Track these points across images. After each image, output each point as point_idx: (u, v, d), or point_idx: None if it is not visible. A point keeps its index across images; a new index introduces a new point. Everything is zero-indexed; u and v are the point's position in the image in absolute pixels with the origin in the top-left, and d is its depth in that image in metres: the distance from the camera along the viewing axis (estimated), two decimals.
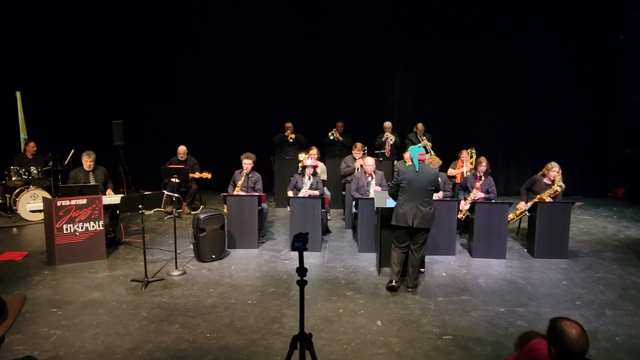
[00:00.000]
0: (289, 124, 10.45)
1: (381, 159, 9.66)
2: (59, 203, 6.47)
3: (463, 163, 8.87)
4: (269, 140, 11.03)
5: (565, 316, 2.51)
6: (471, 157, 8.83)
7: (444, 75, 11.46)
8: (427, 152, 9.48)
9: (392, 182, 5.94)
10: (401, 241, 5.77)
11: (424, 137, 10.14)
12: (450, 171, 9.09)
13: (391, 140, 10.10)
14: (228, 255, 7.07)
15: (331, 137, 10.40)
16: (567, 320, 2.43)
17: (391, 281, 5.79)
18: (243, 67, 11.55)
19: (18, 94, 10.23)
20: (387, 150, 10.10)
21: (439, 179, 6.74)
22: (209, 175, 9.24)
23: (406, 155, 9.11)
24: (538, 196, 7.33)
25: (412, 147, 5.98)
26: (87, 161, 7.72)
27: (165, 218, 9.08)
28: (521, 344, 2.72)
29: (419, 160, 5.73)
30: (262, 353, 4.32)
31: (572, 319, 2.47)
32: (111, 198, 7.30)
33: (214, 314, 5.09)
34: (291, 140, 10.40)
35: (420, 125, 10.20)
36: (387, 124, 10.30)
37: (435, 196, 7.31)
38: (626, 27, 11.10)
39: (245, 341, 4.53)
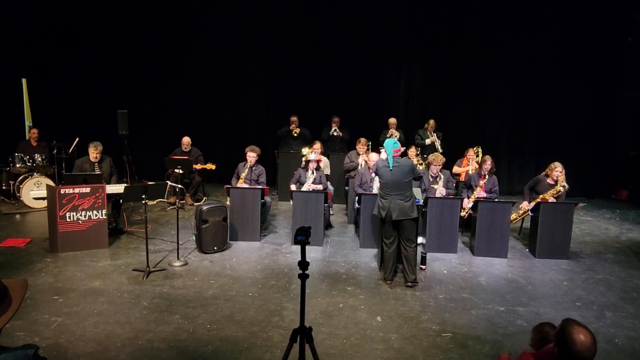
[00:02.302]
0: (294, 118, 10.43)
1: None
2: (62, 191, 6.49)
3: (469, 161, 8.85)
4: (273, 134, 11.02)
5: (578, 321, 2.42)
6: (477, 156, 8.81)
7: (449, 72, 11.41)
8: (420, 150, 9.49)
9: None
10: (387, 235, 5.88)
11: (434, 134, 10.11)
12: (456, 169, 9.08)
13: (395, 136, 10.07)
14: (230, 247, 7.08)
15: (335, 134, 10.37)
16: (578, 327, 2.36)
17: (384, 278, 5.94)
18: (249, 60, 11.53)
19: (24, 81, 10.25)
20: None
21: (427, 173, 7.04)
22: (213, 167, 9.25)
23: (410, 151, 9.11)
24: (541, 196, 7.32)
25: (387, 141, 5.93)
26: (94, 153, 7.65)
27: (168, 209, 9.10)
28: (541, 342, 2.65)
29: (394, 156, 5.79)
30: (261, 345, 4.34)
31: (584, 325, 2.39)
32: (114, 187, 7.30)
33: (215, 306, 5.10)
34: (296, 135, 10.39)
35: (432, 122, 10.16)
36: (392, 120, 10.28)
37: (438, 193, 7.35)
38: (635, 28, 11.01)
39: (245, 333, 4.54)
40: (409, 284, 5.75)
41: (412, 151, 9.11)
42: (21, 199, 8.80)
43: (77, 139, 9.81)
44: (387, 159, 5.83)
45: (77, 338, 4.36)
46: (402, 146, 9.83)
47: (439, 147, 9.86)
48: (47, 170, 9.17)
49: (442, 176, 7.52)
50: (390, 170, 5.76)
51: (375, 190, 7.45)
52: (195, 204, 9.14)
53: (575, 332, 2.32)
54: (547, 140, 11.40)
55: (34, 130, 9.56)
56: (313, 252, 6.88)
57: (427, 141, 10.02)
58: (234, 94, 11.70)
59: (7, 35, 10.56)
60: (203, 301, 5.21)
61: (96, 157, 7.70)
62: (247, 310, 5.04)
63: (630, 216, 9.90)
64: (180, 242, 6.63)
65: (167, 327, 4.61)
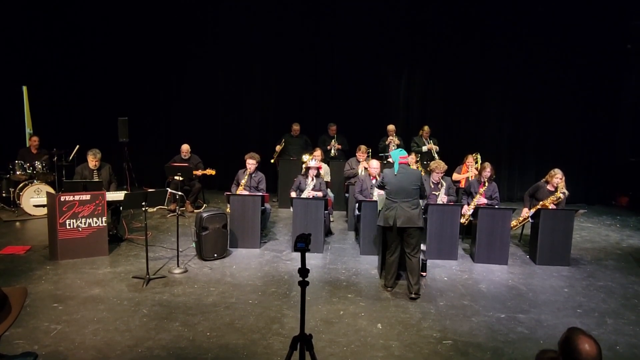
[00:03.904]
0: (296, 127, 10.45)
1: (385, 161, 9.65)
2: (62, 198, 6.49)
3: (468, 168, 8.85)
4: (273, 140, 10.95)
5: (583, 330, 2.39)
6: (476, 162, 8.80)
7: (449, 79, 11.43)
8: (427, 157, 9.51)
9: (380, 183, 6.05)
10: (390, 243, 5.82)
11: (430, 141, 10.11)
12: (455, 176, 9.07)
13: (394, 144, 10.08)
14: (230, 254, 7.07)
15: (334, 154, 10.33)
16: (583, 336, 2.33)
17: (385, 285, 5.91)
18: (249, 66, 11.57)
19: (24, 88, 10.27)
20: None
21: (428, 180, 7.08)
22: (212, 172, 9.23)
23: (411, 158, 9.11)
24: (541, 203, 7.31)
25: (394, 151, 6.05)
26: (93, 161, 7.66)
27: (168, 216, 9.09)
28: None
29: (400, 163, 5.79)
30: (261, 353, 4.32)
31: (589, 334, 2.36)
32: (114, 194, 7.30)
33: (215, 313, 5.09)
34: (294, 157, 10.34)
35: (426, 128, 10.17)
36: (391, 127, 10.29)
37: (440, 201, 7.35)
38: (635, 35, 11.04)
39: (245, 341, 4.53)
40: (413, 295, 5.62)
41: (412, 157, 9.11)
42: (21, 206, 8.79)
43: (78, 146, 9.80)
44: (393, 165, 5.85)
45: (76, 346, 4.35)
46: None
47: (435, 155, 9.84)
48: (47, 178, 9.16)
49: (444, 183, 7.52)
50: (395, 175, 5.73)
51: (375, 197, 7.45)
52: (195, 211, 9.13)
53: (580, 341, 2.30)
54: (547, 146, 11.40)
55: (35, 138, 9.56)
56: (313, 259, 6.86)
57: (424, 148, 10.02)
58: (234, 101, 11.72)
59: (8, 42, 10.59)
60: (203, 308, 5.19)
61: (95, 165, 7.70)
62: (247, 317, 5.02)
63: (630, 222, 9.89)
64: (180, 250, 6.62)
65: (167, 335, 4.60)
